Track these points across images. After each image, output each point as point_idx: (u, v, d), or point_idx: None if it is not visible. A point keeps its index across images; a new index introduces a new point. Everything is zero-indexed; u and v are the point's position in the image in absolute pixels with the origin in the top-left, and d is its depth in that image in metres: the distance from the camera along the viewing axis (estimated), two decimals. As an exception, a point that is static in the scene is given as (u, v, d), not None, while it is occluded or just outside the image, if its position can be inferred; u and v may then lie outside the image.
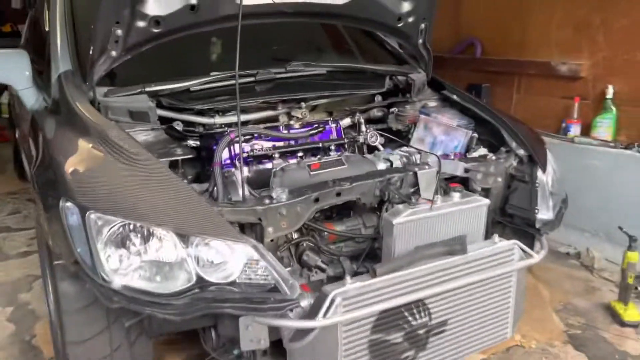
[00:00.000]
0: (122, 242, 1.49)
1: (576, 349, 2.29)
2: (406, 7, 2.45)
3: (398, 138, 2.52)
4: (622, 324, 2.43)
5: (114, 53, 1.96)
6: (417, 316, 1.72)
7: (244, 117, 2.20)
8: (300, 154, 2.08)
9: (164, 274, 1.48)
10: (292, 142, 2.17)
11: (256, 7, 2.14)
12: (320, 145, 2.12)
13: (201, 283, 1.47)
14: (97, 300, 1.55)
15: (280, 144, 2.12)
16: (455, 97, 2.57)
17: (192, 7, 1.99)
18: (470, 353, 1.93)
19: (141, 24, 1.93)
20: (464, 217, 1.93)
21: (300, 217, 1.66)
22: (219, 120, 2.15)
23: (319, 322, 1.50)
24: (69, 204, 1.54)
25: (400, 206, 1.82)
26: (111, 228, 1.48)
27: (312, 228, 1.87)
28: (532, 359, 2.22)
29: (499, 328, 1.95)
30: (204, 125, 2.14)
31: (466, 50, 4.08)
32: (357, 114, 2.50)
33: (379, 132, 2.38)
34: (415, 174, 1.89)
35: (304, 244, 1.87)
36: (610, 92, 3.06)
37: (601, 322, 2.48)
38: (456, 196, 1.92)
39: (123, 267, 1.48)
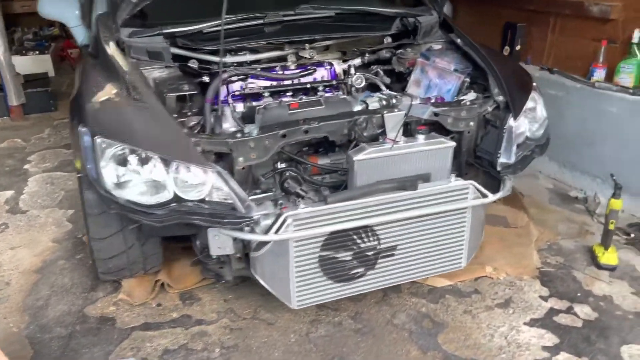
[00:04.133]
0: (122, 162, 1.88)
1: (543, 284, 2.46)
2: None
3: (400, 79, 2.70)
4: (599, 266, 2.56)
5: None
6: (366, 240, 2.00)
7: (253, 57, 2.48)
8: (289, 93, 2.33)
9: (150, 190, 1.85)
10: (291, 82, 2.42)
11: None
12: (309, 86, 2.35)
13: (177, 199, 1.83)
14: None
15: (275, 83, 2.38)
16: (459, 40, 2.66)
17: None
18: (422, 276, 2.21)
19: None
20: (427, 157, 2.13)
21: (268, 149, 1.96)
22: (229, 59, 2.43)
23: (269, 236, 1.84)
24: (84, 128, 1.93)
25: (365, 145, 2.06)
26: (112, 150, 1.87)
27: (295, 160, 2.16)
28: (496, 289, 2.43)
29: (452, 258, 2.19)
30: (217, 63, 2.43)
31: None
32: (367, 55, 2.70)
33: (371, 76, 2.56)
34: (382, 116, 2.10)
35: (287, 173, 2.17)
36: (636, 36, 2.97)
37: (579, 263, 2.61)
38: (420, 138, 2.11)
39: (120, 182, 1.87)
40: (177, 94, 2.28)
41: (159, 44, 2.32)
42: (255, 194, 2.11)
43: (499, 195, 2.17)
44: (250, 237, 1.86)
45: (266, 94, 2.29)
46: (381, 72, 2.68)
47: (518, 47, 3.78)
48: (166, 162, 1.83)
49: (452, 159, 2.19)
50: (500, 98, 2.28)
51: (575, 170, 3.36)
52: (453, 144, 2.16)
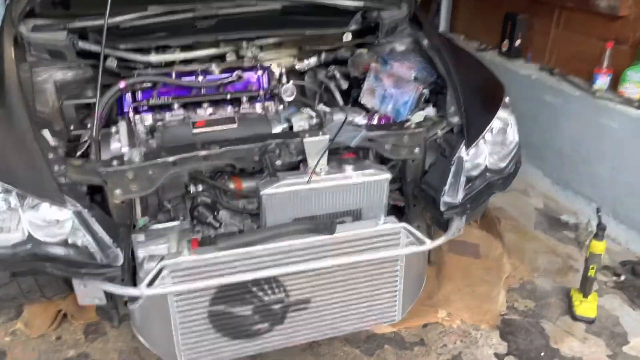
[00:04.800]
0: None
1: (502, 336, 2.10)
2: None
3: (355, 86, 2.32)
4: (574, 317, 2.17)
5: None
6: (269, 292, 1.66)
7: (186, 55, 2.12)
8: (205, 105, 1.97)
9: (4, 227, 1.55)
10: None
11: None
12: (229, 97, 1.98)
13: (32, 240, 1.52)
14: None
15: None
16: (425, 41, 2.25)
17: None
18: (347, 331, 1.86)
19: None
20: (356, 191, 1.77)
21: (154, 180, 1.62)
22: (154, 58, 2.08)
23: (140, 290, 1.52)
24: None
25: (279, 175, 1.71)
26: None
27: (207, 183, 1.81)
28: (446, 339, 2.08)
29: (383, 310, 1.84)
30: (137, 61, 2.09)
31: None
32: (323, 54, 2.33)
33: (325, 79, 2.21)
34: (302, 141, 1.73)
35: (199, 199, 1.84)
36: (647, 38, 2.50)
37: (552, 311, 2.23)
38: (347, 168, 1.75)
39: None
40: (76, 101, 1.98)
41: (61, 41, 1.98)
42: (159, 221, 1.81)
43: (440, 240, 1.80)
44: (114, 290, 1.55)
45: (176, 106, 1.93)
46: (337, 75, 2.31)
47: (518, 42, 3.31)
48: (22, 198, 1.52)
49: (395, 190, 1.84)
50: (456, 120, 1.88)
51: (568, 189, 2.92)
52: (388, 175, 1.79)
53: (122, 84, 1.87)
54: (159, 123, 1.86)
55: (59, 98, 1.95)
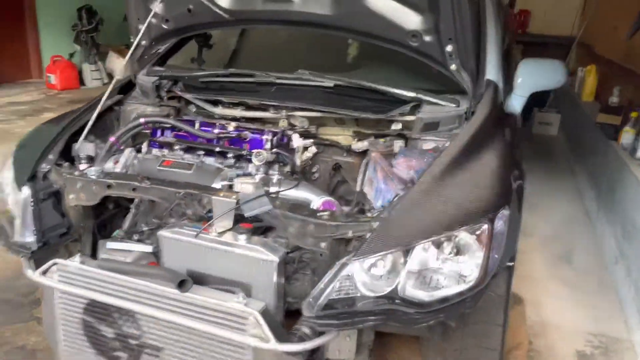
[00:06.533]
0: None
1: None
2: (419, 22, 2.07)
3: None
4: None
5: (143, 42, 2.55)
6: (128, 324, 1.74)
7: (244, 114, 2.43)
8: (200, 152, 2.17)
9: None
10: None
11: (241, 13, 2.31)
12: (218, 149, 2.14)
13: None
14: None
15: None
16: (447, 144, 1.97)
17: (189, 10, 2.37)
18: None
19: (154, 20, 2.44)
20: (243, 263, 1.71)
21: (95, 195, 1.93)
22: (218, 111, 2.45)
23: (34, 275, 1.81)
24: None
25: (181, 223, 1.80)
26: None
27: None
28: None
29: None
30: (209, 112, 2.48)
31: None
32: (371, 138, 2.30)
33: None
34: (211, 198, 1.77)
35: None
36: None
37: None
38: (240, 238, 1.71)
39: None
40: (125, 128, 2.42)
41: (148, 84, 2.51)
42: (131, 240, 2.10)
43: (293, 347, 1.54)
44: (28, 274, 1.86)
45: (176, 147, 2.20)
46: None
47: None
48: None
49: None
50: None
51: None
52: (275, 259, 1.66)
53: (142, 120, 2.26)
54: (145, 155, 2.17)
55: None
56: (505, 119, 2.36)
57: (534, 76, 2.66)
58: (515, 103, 2.64)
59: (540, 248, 3.46)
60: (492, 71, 2.39)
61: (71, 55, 7.93)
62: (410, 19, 2.05)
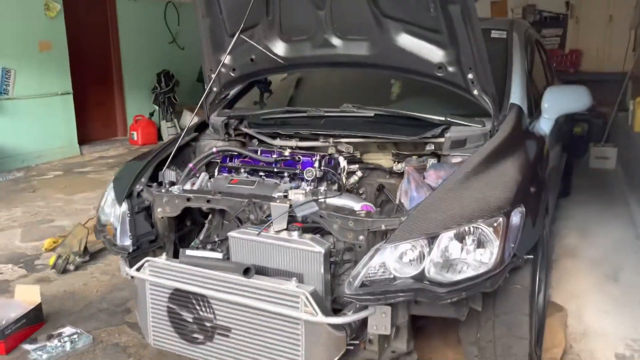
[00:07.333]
0: None
1: None
2: (443, 56, 2.43)
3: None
4: None
5: (214, 89, 3.05)
6: (203, 309, 2.11)
7: (298, 143, 2.85)
8: (261, 173, 2.58)
9: None
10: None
11: (294, 59, 2.76)
12: (275, 170, 2.55)
13: None
14: None
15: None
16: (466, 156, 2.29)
17: (252, 59, 2.85)
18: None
19: (223, 70, 2.94)
20: (294, 256, 2.07)
21: (177, 207, 2.37)
22: (278, 142, 2.89)
23: (130, 271, 2.24)
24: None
25: (247, 225, 2.19)
26: None
27: None
28: None
29: (286, 370, 1.98)
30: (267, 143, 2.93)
31: None
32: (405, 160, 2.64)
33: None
34: (269, 205, 2.16)
35: None
36: None
37: None
38: (293, 234, 2.07)
39: None
40: (198, 158, 2.86)
41: (217, 123, 2.99)
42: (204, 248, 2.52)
43: (337, 320, 1.84)
44: (124, 269, 2.31)
45: (242, 170, 2.63)
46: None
47: None
48: None
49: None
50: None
51: None
52: (321, 250, 2.00)
53: (214, 149, 2.72)
54: (218, 176, 2.60)
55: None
56: (530, 138, 2.63)
57: (559, 101, 2.95)
58: (544, 125, 2.93)
59: (587, 269, 3.57)
60: (516, 95, 2.71)
61: (151, 114, 8.86)
62: (436, 54, 2.41)
